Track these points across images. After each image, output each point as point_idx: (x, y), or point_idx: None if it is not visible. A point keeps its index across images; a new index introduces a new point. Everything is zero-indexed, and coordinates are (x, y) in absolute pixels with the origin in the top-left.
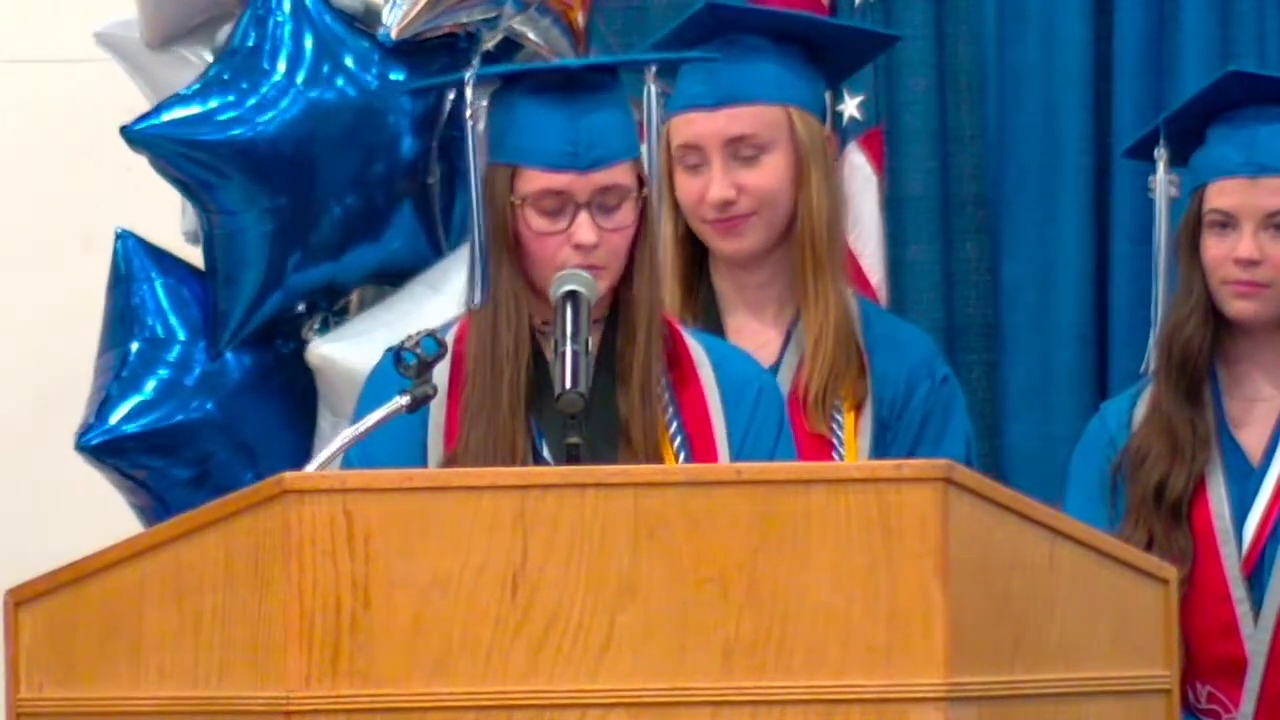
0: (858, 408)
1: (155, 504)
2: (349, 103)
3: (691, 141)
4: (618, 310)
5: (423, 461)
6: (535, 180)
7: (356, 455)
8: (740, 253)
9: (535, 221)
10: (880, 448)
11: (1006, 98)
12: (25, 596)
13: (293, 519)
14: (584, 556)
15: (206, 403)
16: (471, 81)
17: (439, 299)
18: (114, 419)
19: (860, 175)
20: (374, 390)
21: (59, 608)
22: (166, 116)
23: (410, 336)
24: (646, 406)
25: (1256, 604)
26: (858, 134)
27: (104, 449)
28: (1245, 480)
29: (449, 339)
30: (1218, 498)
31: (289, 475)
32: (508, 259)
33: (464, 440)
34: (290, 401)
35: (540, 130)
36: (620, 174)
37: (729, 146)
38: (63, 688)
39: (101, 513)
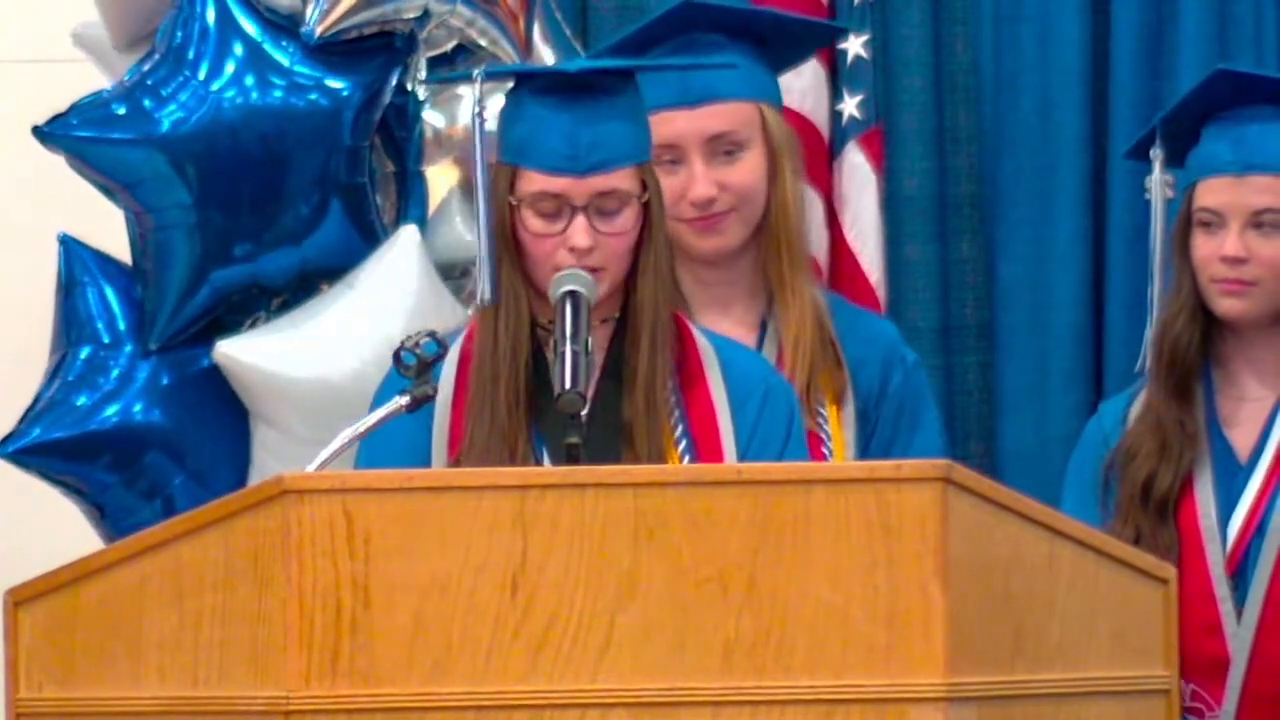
0: (838, 400)
1: (91, 508)
2: (275, 105)
3: (670, 140)
4: (625, 312)
5: (427, 464)
6: (533, 182)
7: (364, 460)
8: (720, 250)
9: (532, 223)
10: (863, 439)
11: (1003, 98)
12: (25, 596)
13: (293, 519)
14: (584, 556)
15: (129, 406)
16: (480, 79)
17: (351, 296)
18: (34, 426)
19: (860, 175)
20: (386, 395)
21: (59, 608)
22: (80, 117)
23: (410, 336)
24: (651, 411)
25: (1239, 603)
26: (857, 133)
27: (23, 455)
28: (1232, 479)
29: (459, 341)
30: (1204, 496)
31: (289, 475)
32: (508, 258)
33: (468, 441)
34: (230, 403)
35: (541, 132)
36: (620, 179)
37: (708, 144)
38: (62, 688)
39: None
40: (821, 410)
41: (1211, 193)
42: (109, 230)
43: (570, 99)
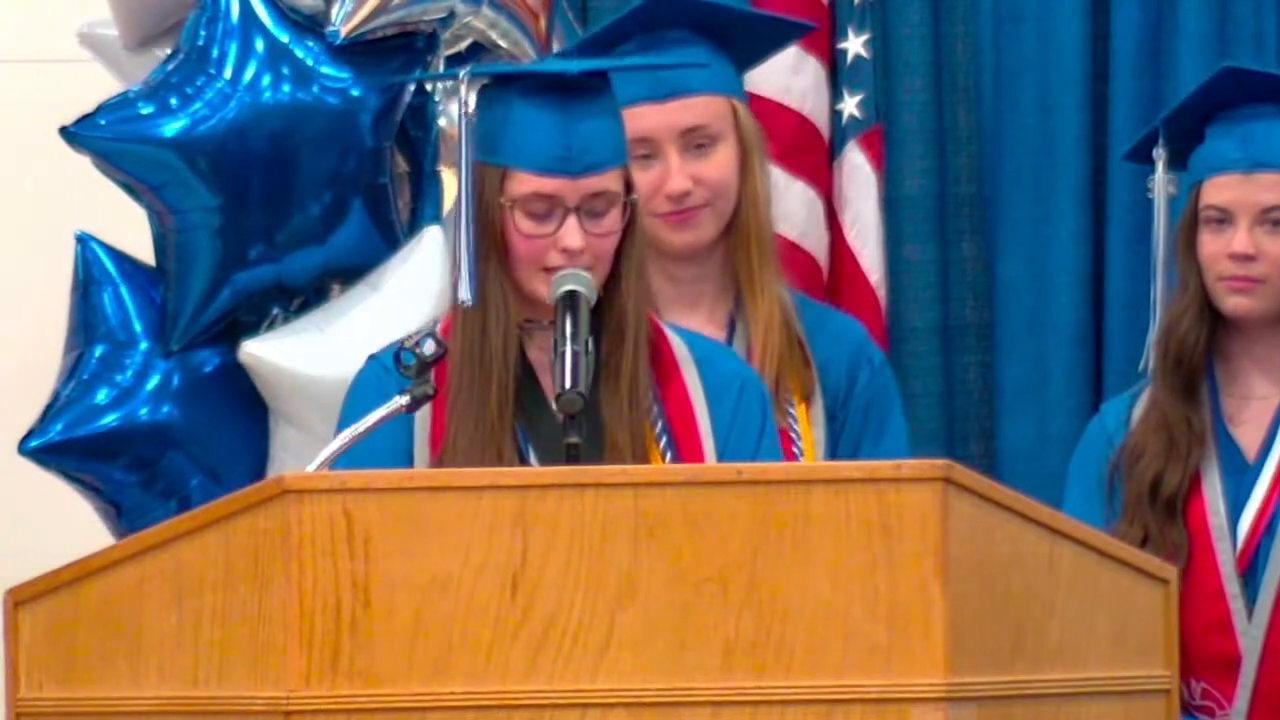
0: (807, 399)
1: (107, 507)
2: (298, 104)
3: (643, 134)
4: (603, 314)
5: (409, 465)
6: (525, 183)
7: (343, 458)
8: (693, 245)
9: (523, 224)
10: (831, 437)
11: (1003, 98)
12: (25, 596)
13: (293, 519)
14: (584, 556)
15: (145, 406)
16: (466, 79)
17: (376, 297)
18: (55, 424)
19: (860, 174)
20: (359, 395)
21: (59, 607)
22: (107, 117)
23: (410, 335)
24: (633, 409)
25: (1251, 600)
26: (857, 133)
27: (43, 453)
28: (1240, 477)
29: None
30: (1213, 494)
31: (289, 475)
32: (495, 259)
33: (451, 443)
34: (247, 402)
35: (532, 133)
36: (610, 180)
37: (682, 138)
38: (63, 687)
39: None
40: (791, 409)
41: (1219, 190)
42: (114, 229)
43: (558, 100)
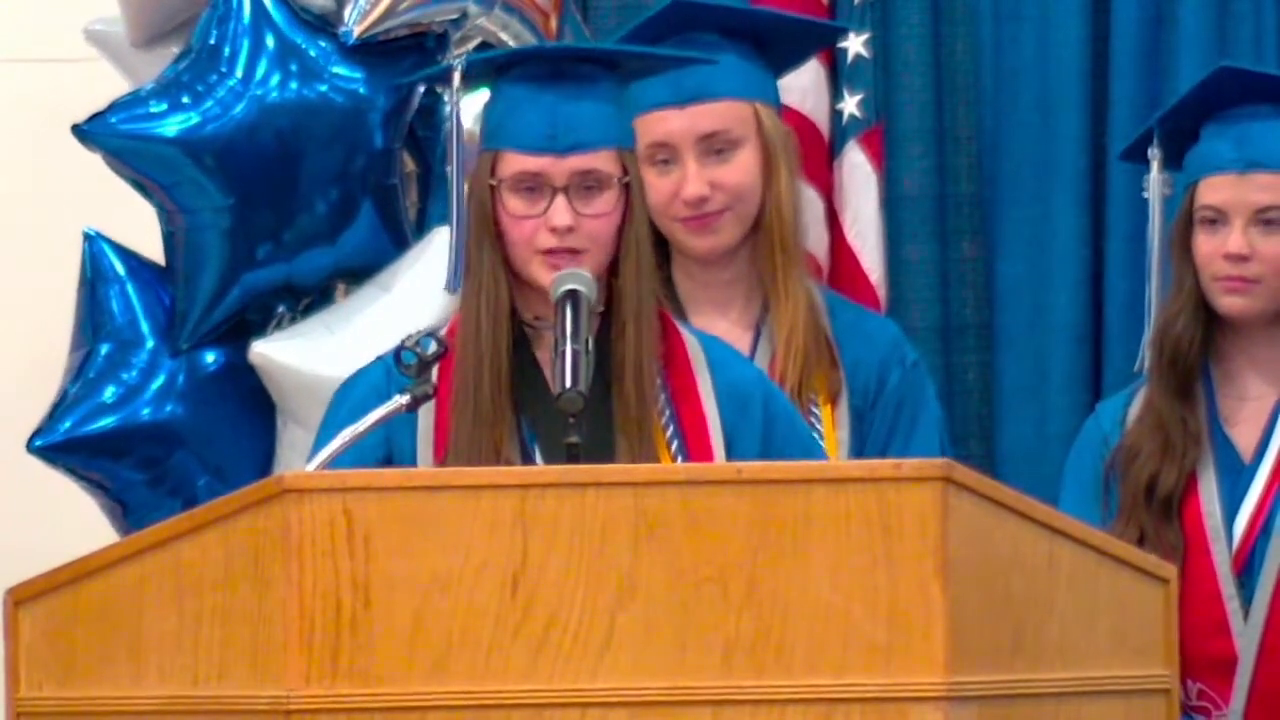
0: (833, 400)
1: (114, 505)
2: (309, 104)
3: (662, 140)
4: (609, 304)
5: (388, 457)
6: (513, 163)
7: (348, 457)
8: (714, 249)
9: (512, 204)
10: (858, 438)
11: (1003, 97)
12: (25, 595)
13: (292, 518)
14: (584, 556)
15: (151, 405)
16: (459, 68)
17: (387, 298)
18: (63, 422)
19: (860, 174)
20: (348, 392)
21: (59, 607)
22: (119, 115)
23: (410, 335)
24: (640, 401)
25: (1246, 601)
26: (857, 132)
27: (51, 451)
28: (1236, 477)
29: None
30: (1209, 495)
31: (289, 474)
32: (489, 243)
33: (453, 439)
34: (253, 402)
35: (521, 114)
36: (600, 160)
37: (701, 143)
38: (62, 687)
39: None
40: (815, 410)
41: (1214, 190)
42: (116, 228)
43: (549, 83)
